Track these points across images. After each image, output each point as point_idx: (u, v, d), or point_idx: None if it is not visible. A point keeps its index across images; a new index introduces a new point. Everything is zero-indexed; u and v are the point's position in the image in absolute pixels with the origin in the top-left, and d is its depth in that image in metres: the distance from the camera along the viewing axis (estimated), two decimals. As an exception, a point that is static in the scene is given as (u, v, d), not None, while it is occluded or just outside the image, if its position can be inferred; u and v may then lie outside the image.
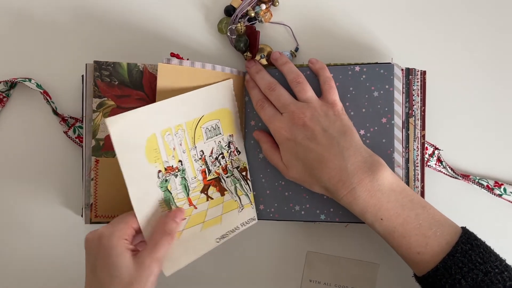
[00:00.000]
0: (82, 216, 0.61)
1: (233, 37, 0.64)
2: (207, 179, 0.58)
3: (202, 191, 0.58)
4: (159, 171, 0.53)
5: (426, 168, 0.62)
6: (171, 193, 0.54)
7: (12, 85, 0.64)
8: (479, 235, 0.53)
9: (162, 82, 0.56)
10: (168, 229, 0.51)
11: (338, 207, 0.58)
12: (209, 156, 0.58)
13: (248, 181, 0.62)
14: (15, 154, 0.65)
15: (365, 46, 0.65)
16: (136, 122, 0.51)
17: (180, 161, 0.55)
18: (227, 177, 0.60)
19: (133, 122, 0.51)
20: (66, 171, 0.65)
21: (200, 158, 0.57)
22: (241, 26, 0.62)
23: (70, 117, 0.64)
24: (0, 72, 0.65)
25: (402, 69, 0.58)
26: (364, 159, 0.53)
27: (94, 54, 0.65)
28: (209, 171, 0.58)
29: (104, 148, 0.58)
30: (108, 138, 0.58)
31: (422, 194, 0.59)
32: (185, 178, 0.56)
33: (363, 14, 0.65)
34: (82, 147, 0.61)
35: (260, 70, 0.61)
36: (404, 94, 0.58)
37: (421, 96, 0.59)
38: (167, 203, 0.54)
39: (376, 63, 0.58)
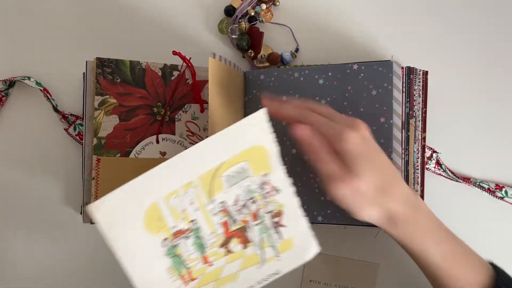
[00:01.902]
0: (81, 214, 0.60)
1: (233, 37, 0.64)
2: (230, 230, 0.49)
3: (222, 245, 0.49)
4: (165, 239, 0.46)
5: (426, 171, 0.62)
6: (180, 258, 0.47)
7: (11, 84, 0.63)
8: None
9: (213, 78, 0.54)
10: None
11: (335, 209, 0.57)
12: (233, 205, 0.48)
13: (280, 227, 0.50)
14: (15, 152, 0.64)
15: (366, 47, 0.65)
16: (128, 198, 0.44)
17: (192, 220, 0.47)
18: (256, 224, 0.49)
19: (123, 199, 0.44)
20: (67, 168, 0.64)
21: (221, 211, 0.48)
22: (245, 24, 0.62)
23: (71, 115, 0.63)
24: (-1, 70, 0.65)
25: (402, 67, 0.57)
26: None
27: (95, 51, 0.64)
28: (234, 220, 0.49)
29: (106, 147, 0.57)
30: (109, 136, 0.58)
31: (422, 198, 0.59)
32: (199, 237, 0.48)
33: (364, 15, 0.65)
34: (82, 144, 0.60)
35: (283, 102, 0.53)
36: (404, 93, 0.58)
37: (422, 97, 0.59)
38: (176, 268, 0.47)
39: (375, 61, 0.58)
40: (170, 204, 0.46)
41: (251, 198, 0.49)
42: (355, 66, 0.58)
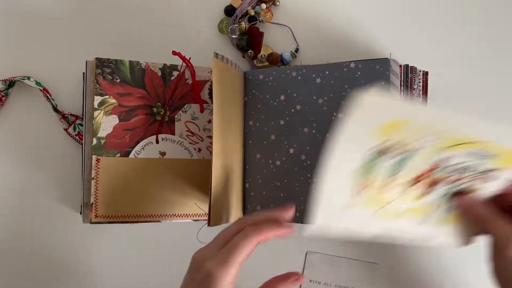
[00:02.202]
0: (80, 213, 0.60)
1: (233, 37, 0.64)
2: (425, 176, 0.49)
3: (408, 183, 0.48)
4: (375, 146, 0.45)
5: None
6: (371, 169, 0.46)
7: (11, 84, 0.63)
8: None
9: (217, 78, 0.54)
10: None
11: None
12: (450, 164, 0.48)
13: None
14: (15, 152, 0.64)
15: (366, 47, 0.65)
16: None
17: (408, 150, 0.46)
18: (447, 188, 0.50)
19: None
20: (66, 168, 0.64)
21: (437, 161, 0.48)
22: (245, 24, 0.62)
23: (71, 115, 0.63)
24: (-2, 70, 0.65)
25: (400, 66, 0.57)
26: None
27: (95, 51, 0.64)
28: (436, 172, 0.48)
29: (106, 147, 0.57)
30: (109, 136, 0.58)
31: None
32: (400, 164, 0.47)
33: (364, 15, 0.65)
34: (82, 144, 0.60)
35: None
36: (403, 92, 0.57)
37: (422, 97, 0.59)
38: (361, 175, 0.46)
39: (372, 59, 0.57)
40: (409, 126, 0.44)
41: (467, 169, 0.49)
42: (352, 65, 0.57)
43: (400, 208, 0.50)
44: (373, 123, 0.44)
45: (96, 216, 0.57)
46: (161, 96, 0.60)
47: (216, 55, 0.54)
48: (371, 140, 0.44)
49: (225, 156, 0.57)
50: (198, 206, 0.61)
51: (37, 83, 0.63)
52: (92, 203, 0.57)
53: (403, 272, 0.64)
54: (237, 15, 0.64)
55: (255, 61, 0.65)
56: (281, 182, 0.60)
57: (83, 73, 0.59)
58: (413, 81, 0.58)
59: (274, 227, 0.47)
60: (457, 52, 0.65)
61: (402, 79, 0.57)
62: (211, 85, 0.62)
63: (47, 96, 0.63)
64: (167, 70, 0.60)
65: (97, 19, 0.66)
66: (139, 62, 0.59)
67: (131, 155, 0.58)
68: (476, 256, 0.64)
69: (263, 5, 0.65)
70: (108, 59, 0.58)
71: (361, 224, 0.49)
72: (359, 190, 0.47)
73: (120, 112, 0.58)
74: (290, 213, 0.49)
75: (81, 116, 0.63)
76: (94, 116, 0.57)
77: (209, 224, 0.54)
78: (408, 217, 0.50)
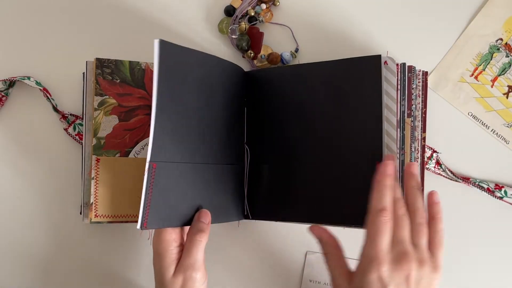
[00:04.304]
0: (80, 213, 0.60)
1: (233, 37, 0.64)
2: None
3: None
4: (500, 39, 0.54)
5: (426, 171, 0.62)
6: (490, 58, 0.54)
7: (11, 83, 0.63)
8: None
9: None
10: (196, 229, 0.53)
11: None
12: None
13: None
14: (15, 151, 0.64)
15: (366, 47, 0.65)
16: None
17: None
18: None
19: None
20: (66, 168, 0.64)
21: None
22: (245, 25, 0.62)
23: (71, 114, 0.64)
24: (-2, 70, 0.65)
25: (398, 64, 0.57)
26: None
27: (95, 51, 0.65)
28: None
29: (105, 147, 0.57)
30: (109, 136, 0.58)
31: (422, 198, 0.59)
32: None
33: (364, 15, 0.65)
34: (82, 144, 0.61)
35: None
36: (400, 91, 0.57)
37: (422, 97, 0.59)
38: (482, 59, 0.55)
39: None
40: None
41: None
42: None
43: (495, 105, 0.54)
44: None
45: (96, 216, 0.57)
46: (161, 96, 0.60)
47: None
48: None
49: None
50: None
51: (37, 83, 0.63)
52: (92, 203, 0.57)
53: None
54: (237, 15, 0.64)
55: (255, 61, 0.65)
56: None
57: (83, 73, 0.59)
58: (411, 81, 0.58)
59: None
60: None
61: (399, 78, 0.57)
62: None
63: (47, 96, 0.63)
64: (167, 70, 0.60)
65: (97, 19, 0.66)
66: (139, 62, 0.59)
67: (131, 155, 0.58)
68: (486, 256, 0.65)
69: (263, 5, 0.65)
70: (108, 59, 0.58)
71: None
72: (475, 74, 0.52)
73: (120, 112, 0.58)
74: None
75: (81, 116, 0.63)
76: (94, 116, 0.57)
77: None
78: (499, 114, 0.55)
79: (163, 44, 0.50)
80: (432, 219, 0.52)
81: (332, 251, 0.54)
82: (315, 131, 0.58)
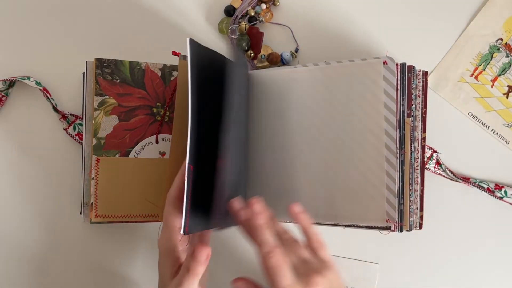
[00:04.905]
0: (80, 213, 0.60)
1: (233, 37, 0.64)
2: None
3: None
4: (500, 39, 0.54)
5: (426, 171, 0.62)
6: (488, 57, 0.54)
7: (11, 83, 0.63)
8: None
9: (181, 78, 0.56)
10: (186, 268, 0.49)
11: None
12: None
13: None
14: (15, 151, 0.64)
15: (366, 47, 0.65)
16: None
17: None
18: None
19: None
20: (66, 168, 0.64)
21: None
22: (245, 25, 0.62)
23: (70, 114, 0.64)
24: (-2, 70, 0.65)
25: (397, 64, 0.56)
26: None
27: (95, 51, 0.65)
28: None
29: (105, 147, 0.57)
30: (109, 136, 0.58)
31: (422, 198, 0.59)
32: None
33: (364, 15, 0.65)
34: (82, 144, 0.61)
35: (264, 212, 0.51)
36: (400, 91, 0.57)
37: (422, 97, 0.59)
38: (482, 59, 0.56)
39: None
40: None
41: None
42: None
43: (495, 105, 0.55)
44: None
45: (96, 216, 0.57)
46: (161, 96, 0.60)
47: (184, 57, 0.54)
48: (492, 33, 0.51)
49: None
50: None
51: (37, 83, 0.63)
52: (92, 203, 0.57)
53: (403, 272, 0.64)
54: (237, 15, 0.64)
55: (255, 61, 0.65)
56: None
57: (83, 73, 0.59)
58: (411, 81, 0.57)
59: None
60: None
61: (399, 77, 0.57)
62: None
63: (47, 96, 0.63)
64: (167, 70, 0.60)
65: (97, 19, 0.66)
66: (139, 62, 0.59)
67: (131, 155, 0.58)
68: (486, 256, 0.64)
69: (263, 5, 0.65)
70: (108, 59, 0.58)
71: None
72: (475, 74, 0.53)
73: (120, 112, 0.58)
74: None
75: (81, 116, 0.63)
76: (94, 116, 0.57)
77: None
78: (499, 114, 0.55)
79: (193, 44, 0.51)
80: (303, 229, 0.52)
81: None
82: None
